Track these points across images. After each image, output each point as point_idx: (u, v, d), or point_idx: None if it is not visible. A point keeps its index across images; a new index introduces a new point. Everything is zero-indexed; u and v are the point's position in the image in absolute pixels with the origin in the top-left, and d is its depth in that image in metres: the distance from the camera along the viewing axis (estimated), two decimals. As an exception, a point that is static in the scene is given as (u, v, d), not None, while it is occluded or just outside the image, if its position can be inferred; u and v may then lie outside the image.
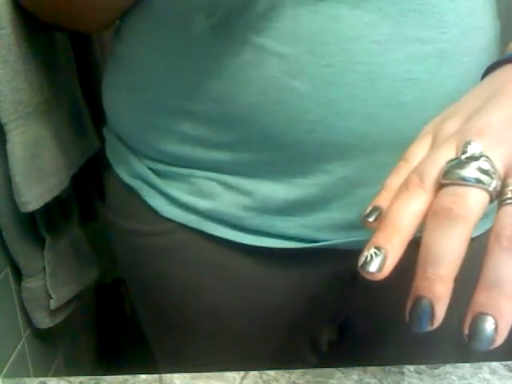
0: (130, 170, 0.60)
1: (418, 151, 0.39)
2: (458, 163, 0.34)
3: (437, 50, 0.49)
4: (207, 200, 0.55)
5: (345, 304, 0.64)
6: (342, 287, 0.61)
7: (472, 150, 0.34)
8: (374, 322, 0.65)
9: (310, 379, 0.51)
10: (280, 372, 0.52)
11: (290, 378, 0.51)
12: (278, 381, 0.51)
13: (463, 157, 0.34)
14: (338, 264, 0.57)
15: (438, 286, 0.32)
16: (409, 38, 0.48)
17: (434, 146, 0.38)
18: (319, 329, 0.67)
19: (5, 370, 0.78)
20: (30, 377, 0.56)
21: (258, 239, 0.55)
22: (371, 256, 0.33)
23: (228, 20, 0.47)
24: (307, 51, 0.47)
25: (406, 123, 0.44)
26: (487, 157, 0.34)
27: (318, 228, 0.54)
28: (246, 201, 0.54)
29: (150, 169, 0.58)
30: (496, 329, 0.31)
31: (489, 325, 0.31)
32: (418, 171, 0.36)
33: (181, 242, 0.58)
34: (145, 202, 0.58)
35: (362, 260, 0.34)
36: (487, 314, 0.31)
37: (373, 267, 0.33)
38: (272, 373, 0.52)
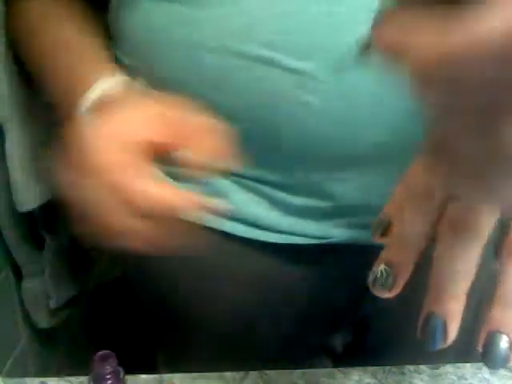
0: None
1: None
2: None
3: None
4: (223, 199, 0.55)
5: (359, 305, 0.63)
6: (354, 287, 0.61)
7: None
8: (390, 322, 0.65)
9: (310, 379, 0.51)
10: (280, 372, 0.52)
11: (290, 378, 0.51)
12: (277, 381, 0.51)
13: None
14: (350, 262, 0.57)
15: (450, 304, 0.31)
16: None
17: None
18: (332, 330, 0.67)
19: (5, 369, 0.78)
20: (30, 377, 0.56)
21: (276, 237, 0.55)
22: (381, 273, 0.33)
23: (236, 35, 0.47)
24: (319, 65, 0.47)
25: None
26: None
27: (333, 226, 0.54)
28: (263, 202, 0.54)
29: (163, 171, 0.57)
30: (510, 347, 0.30)
31: (503, 343, 0.30)
32: (427, 183, 0.35)
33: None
34: None
35: (372, 277, 0.33)
36: (501, 332, 0.30)
37: (384, 285, 0.32)
38: (272, 373, 0.51)
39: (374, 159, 0.50)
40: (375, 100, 0.48)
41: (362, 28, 0.47)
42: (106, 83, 0.48)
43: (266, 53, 0.47)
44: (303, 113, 0.42)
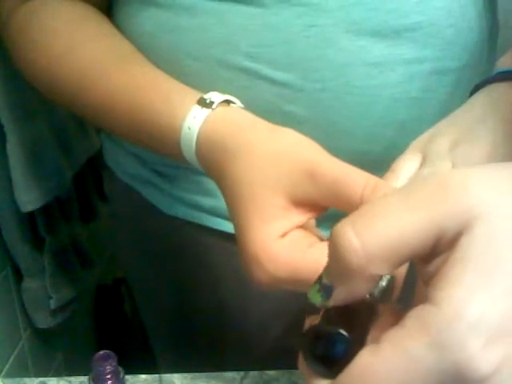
0: (133, 173, 0.60)
1: (406, 164, 0.39)
2: None
3: (435, 67, 0.49)
4: (211, 197, 0.55)
5: None
6: None
7: None
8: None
9: (310, 379, 0.51)
10: (280, 372, 0.52)
11: (290, 378, 0.51)
12: (278, 381, 0.51)
13: None
14: None
15: None
16: (406, 58, 0.47)
17: (427, 164, 0.38)
18: None
19: (5, 369, 0.78)
20: (30, 377, 0.56)
21: None
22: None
23: (219, 45, 0.47)
24: (301, 77, 0.47)
25: (406, 141, 0.44)
26: None
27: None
28: None
29: (154, 170, 0.58)
30: None
31: None
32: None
33: (185, 239, 0.58)
34: (149, 203, 0.58)
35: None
36: None
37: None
38: (272, 373, 0.52)
39: (356, 166, 0.49)
40: (356, 109, 0.48)
41: (341, 40, 0.48)
42: (201, 113, 0.40)
43: (248, 64, 0.47)
44: (285, 122, 0.42)
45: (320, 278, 0.26)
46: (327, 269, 0.26)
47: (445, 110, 0.42)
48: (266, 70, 0.47)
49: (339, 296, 0.26)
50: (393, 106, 0.49)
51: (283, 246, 0.35)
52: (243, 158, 0.37)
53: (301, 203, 0.36)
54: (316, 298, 0.26)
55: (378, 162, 0.48)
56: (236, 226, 0.37)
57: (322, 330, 0.27)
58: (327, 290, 0.26)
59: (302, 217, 0.36)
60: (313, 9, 0.45)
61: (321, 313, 0.28)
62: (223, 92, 0.43)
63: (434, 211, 0.23)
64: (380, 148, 0.49)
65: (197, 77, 0.48)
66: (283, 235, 0.35)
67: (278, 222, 0.35)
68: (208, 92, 0.42)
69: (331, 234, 0.25)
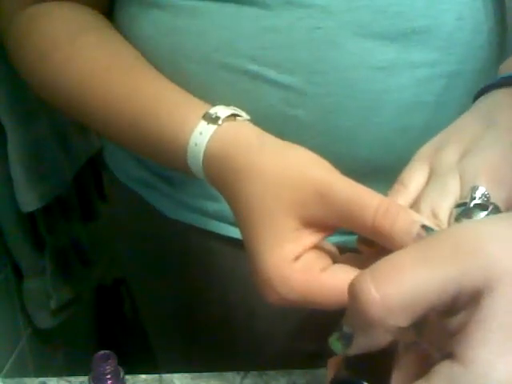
0: (134, 176, 0.60)
1: (415, 176, 0.38)
2: (467, 211, 0.34)
3: (444, 71, 0.48)
4: (215, 202, 0.54)
5: None
6: None
7: (479, 194, 0.34)
8: None
9: (311, 379, 0.51)
10: (280, 372, 0.52)
11: (290, 378, 0.51)
12: (278, 381, 0.51)
13: (472, 204, 0.34)
14: None
15: None
16: (414, 62, 0.47)
17: (436, 178, 0.37)
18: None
19: (5, 369, 0.78)
20: (30, 377, 0.57)
21: None
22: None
23: (221, 48, 0.47)
24: (304, 80, 0.46)
25: (413, 148, 0.41)
26: (496, 206, 0.34)
27: None
28: None
29: (156, 174, 0.57)
30: None
31: None
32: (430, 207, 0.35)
33: (188, 243, 0.58)
34: (151, 205, 0.58)
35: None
36: None
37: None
38: (272, 373, 0.52)
39: (361, 173, 0.49)
40: (361, 114, 0.48)
41: (347, 43, 0.47)
42: (207, 129, 0.40)
43: (251, 67, 0.47)
44: (289, 127, 0.41)
45: (341, 326, 0.27)
46: (347, 319, 0.27)
47: (455, 115, 0.41)
48: (270, 73, 0.46)
49: (359, 345, 0.27)
50: (400, 112, 0.48)
51: (296, 271, 0.35)
52: (253, 180, 0.37)
53: (312, 223, 0.36)
54: (337, 346, 0.28)
55: (384, 170, 0.47)
56: (248, 248, 0.37)
57: (346, 380, 0.28)
58: (348, 339, 0.27)
59: (313, 237, 0.36)
60: (317, 11, 0.45)
61: (342, 357, 0.30)
62: (226, 95, 0.42)
63: (450, 269, 0.24)
64: (386, 155, 0.49)
65: (199, 80, 0.48)
66: (296, 258, 0.36)
67: (291, 245, 0.36)
68: (210, 96, 0.42)
69: (350, 285, 0.26)
